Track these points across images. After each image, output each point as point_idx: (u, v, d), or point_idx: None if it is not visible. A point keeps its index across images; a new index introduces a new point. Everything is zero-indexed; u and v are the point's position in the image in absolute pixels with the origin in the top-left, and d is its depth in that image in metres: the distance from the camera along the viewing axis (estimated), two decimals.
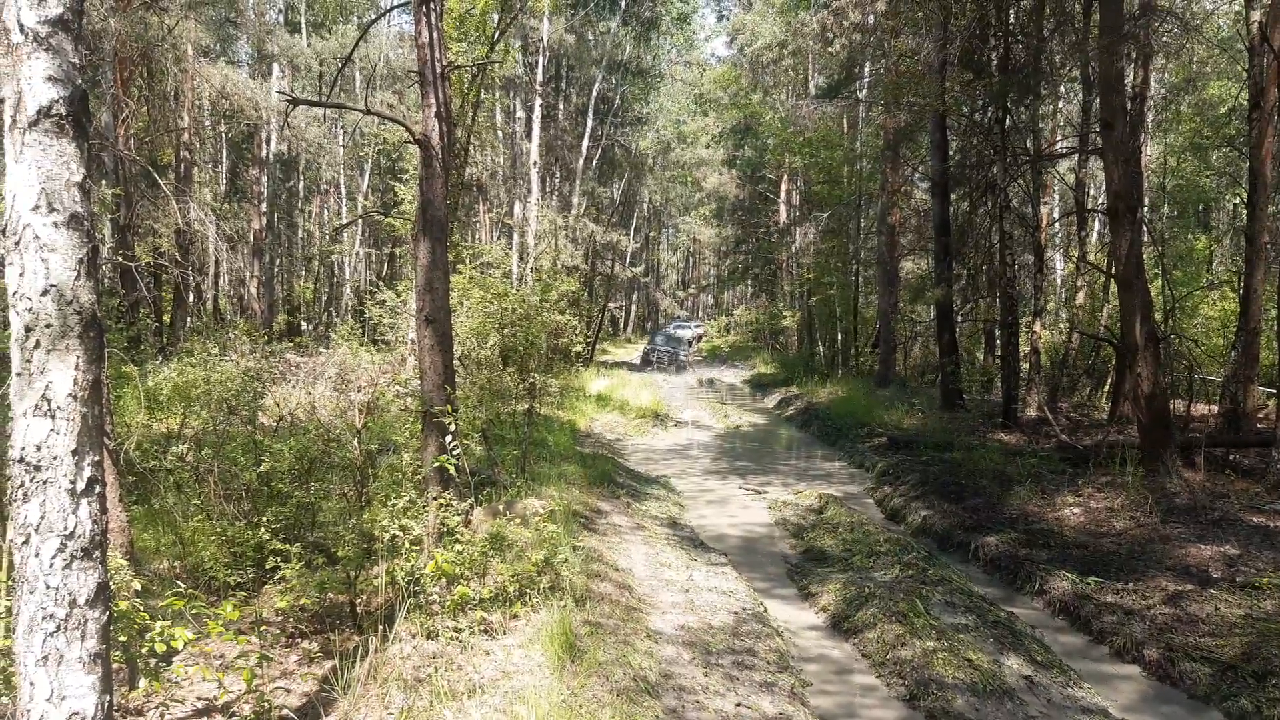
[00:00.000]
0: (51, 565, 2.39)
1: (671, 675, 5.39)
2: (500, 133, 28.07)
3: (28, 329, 2.37)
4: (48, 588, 2.38)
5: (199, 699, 4.65)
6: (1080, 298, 19.67)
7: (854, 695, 5.74)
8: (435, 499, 6.09)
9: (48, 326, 2.38)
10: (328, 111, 27.01)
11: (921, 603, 6.90)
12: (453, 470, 6.37)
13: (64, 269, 2.41)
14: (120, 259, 17.47)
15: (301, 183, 34.05)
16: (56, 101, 2.41)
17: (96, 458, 2.46)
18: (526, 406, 10.70)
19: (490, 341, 14.99)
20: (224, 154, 32.42)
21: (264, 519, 6.04)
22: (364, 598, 5.91)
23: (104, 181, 23.94)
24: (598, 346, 37.79)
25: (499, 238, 27.48)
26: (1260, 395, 14.11)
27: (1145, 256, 14.73)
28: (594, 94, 31.49)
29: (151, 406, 10.52)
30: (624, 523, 9.45)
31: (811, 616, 7.35)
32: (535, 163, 23.90)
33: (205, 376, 11.70)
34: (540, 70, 23.99)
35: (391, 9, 9.60)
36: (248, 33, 26.64)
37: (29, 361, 2.38)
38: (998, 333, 18.22)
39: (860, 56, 23.56)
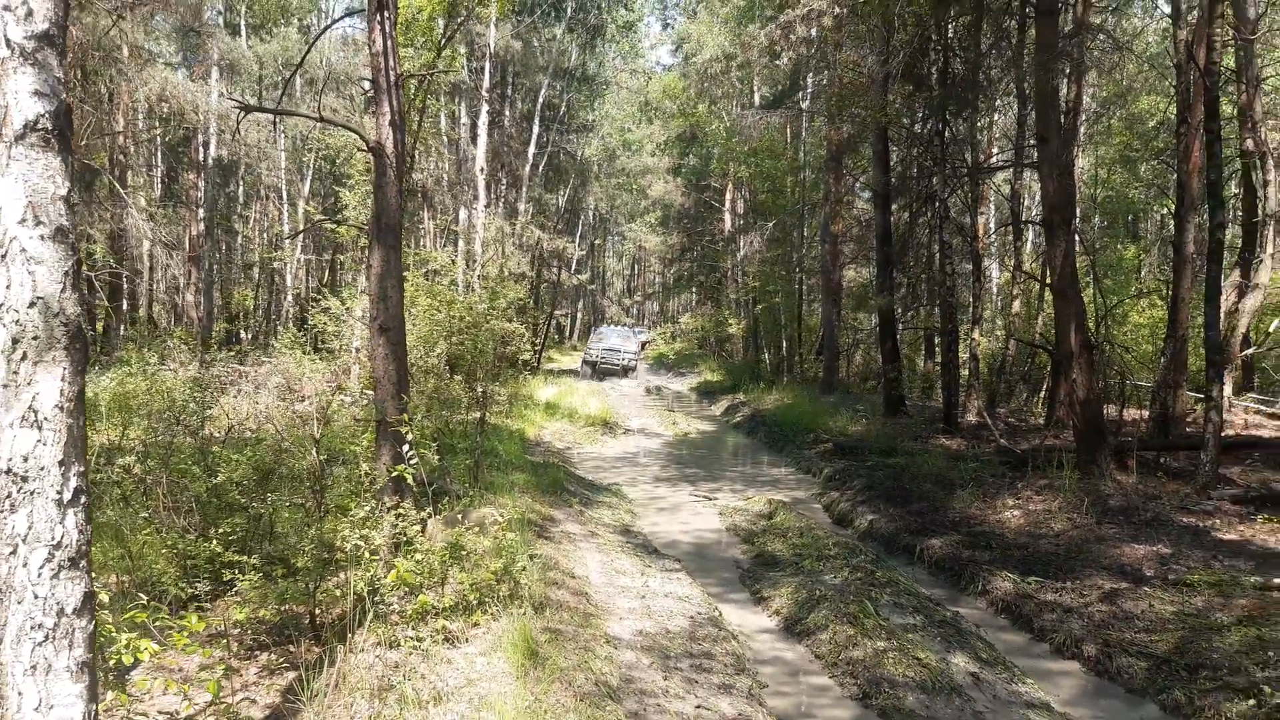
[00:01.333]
0: (40, 575, 2.40)
1: (632, 679, 5.48)
2: (446, 138, 27.94)
3: (14, 340, 2.39)
4: (36, 597, 2.39)
5: (160, 713, 4.61)
6: (1016, 305, 20.22)
7: (809, 695, 5.89)
8: (392, 508, 6.10)
9: (34, 338, 2.39)
10: (269, 116, 26.65)
11: (871, 604, 7.09)
12: (410, 479, 6.39)
13: (50, 281, 2.43)
14: None
15: (241, 188, 33.48)
16: (42, 116, 2.43)
17: (81, 468, 2.48)
18: (478, 415, 10.67)
19: (438, 350, 14.94)
20: (158, 158, 31.73)
21: (218, 530, 5.98)
22: (323, 608, 5.89)
23: None
24: (544, 354, 37.75)
25: (445, 245, 27.32)
26: (1189, 400, 14.67)
27: (1078, 266, 15.27)
28: (540, 100, 31.54)
29: (90, 417, 10.29)
30: (577, 530, 9.51)
31: (765, 620, 7.50)
32: (482, 169, 23.86)
33: (146, 386, 11.47)
34: (487, 76, 23.98)
35: (343, 17, 9.54)
36: (186, 34, 26.16)
37: (15, 373, 2.39)
38: (938, 340, 18.69)
39: (805, 68, 23.97)
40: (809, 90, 26.22)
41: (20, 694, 2.41)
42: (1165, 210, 27.11)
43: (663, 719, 4.96)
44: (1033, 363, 19.92)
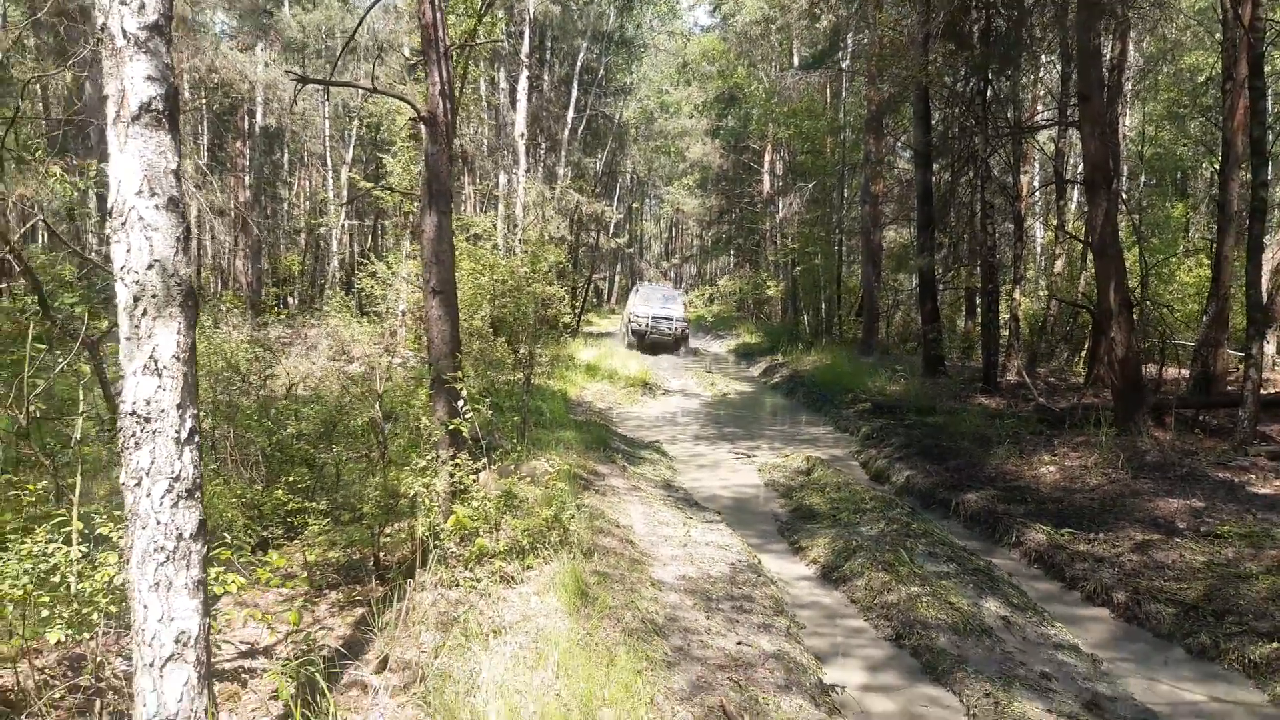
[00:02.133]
0: (161, 504, 2.74)
1: (676, 618, 5.81)
2: (486, 104, 28.16)
3: (135, 299, 2.71)
4: (158, 523, 2.73)
5: (241, 642, 5.02)
6: (1059, 265, 20.14)
7: (845, 636, 6.19)
8: (450, 459, 6.44)
9: (153, 296, 2.71)
10: (312, 85, 27.00)
11: (906, 553, 7.35)
12: (465, 432, 6.73)
13: (165, 246, 2.74)
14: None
15: (285, 155, 34.01)
16: (155, 98, 2.73)
17: (195, 411, 2.81)
18: (524, 375, 11.02)
19: (481, 312, 15.29)
20: (204, 126, 32.30)
21: (286, 480, 6.38)
22: (386, 551, 6.28)
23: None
24: (583, 317, 38.08)
25: (485, 209, 27.65)
26: (1231, 358, 14.63)
27: (1122, 225, 15.21)
28: (578, 64, 31.60)
29: None
30: (621, 484, 9.85)
31: (802, 568, 7.79)
32: (522, 134, 24.08)
33: (204, 348, 11.96)
34: (526, 41, 24.11)
35: None
36: (254, 14, 26.52)
37: (137, 327, 2.71)
38: (978, 300, 18.70)
39: (844, 29, 23.81)
40: (849, 50, 26.02)
41: (146, 607, 2.76)
42: (1213, 168, 26.63)
43: (706, 653, 5.28)
44: (1074, 322, 19.87)
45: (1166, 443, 10.76)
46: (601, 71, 35.44)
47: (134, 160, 2.70)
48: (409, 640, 4.84)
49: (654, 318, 28.25)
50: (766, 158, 37.37)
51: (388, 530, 6.24)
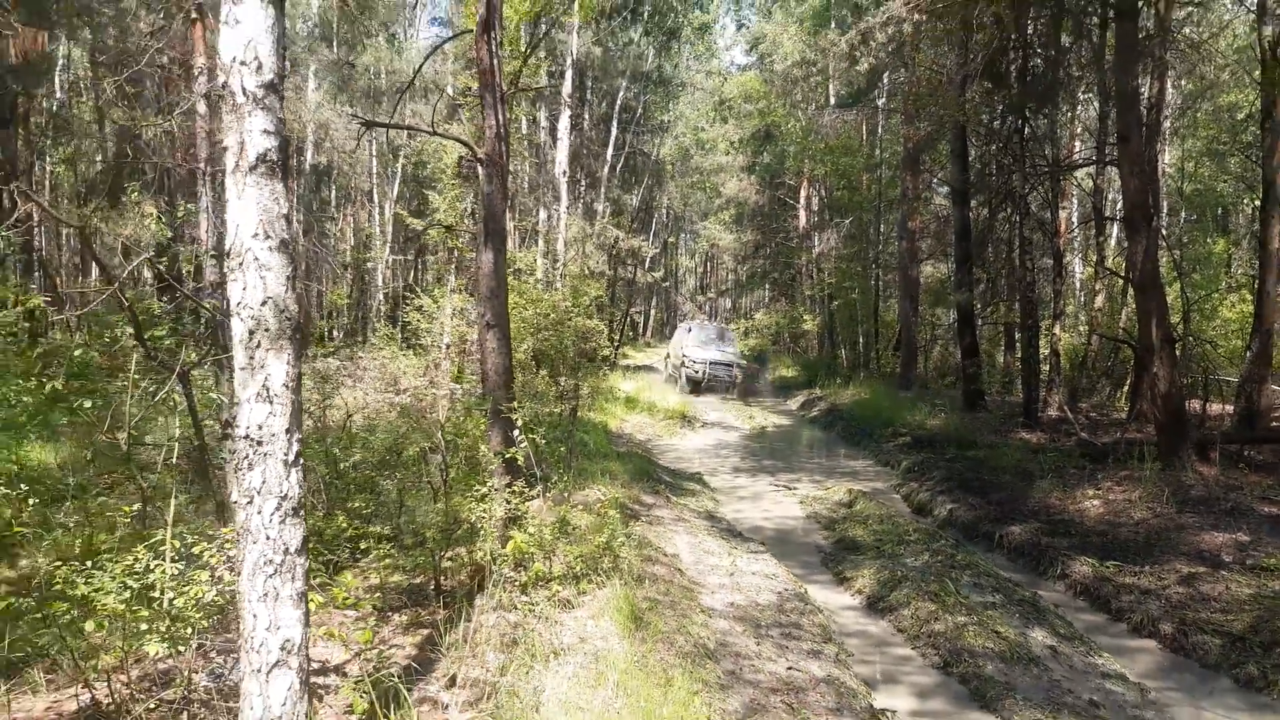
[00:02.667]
0: (270, 520, 2.98)
1: (727, 644, 5.97)
2: (528, 142, 28.74)
3: (250, 332, 2.97)
4: (268, 539, 2.98)
5: (315, 660, 5.25)
6: (1099, 301, 20.10)
7: (893, 664, 6.30)
8: (506, 486, 6.67)
9: (266, 330, 2.98)
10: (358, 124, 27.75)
11: (951, 584, 7.46)
12: (520, 461, 6.96)
13: (277, 284, 3.01)
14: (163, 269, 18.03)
15: (333, 192, 34.84)
16: (270, 150, 3.01)
17: (300, 435, 3.06)
18: (570, 407, 11.27)
19: (525, 345, 15.61)
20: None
21: (349, 507, 6.64)
22: (446, 576, 6.50)
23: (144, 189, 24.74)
24: (620, 350, 38.35)
25: (527, 244, 28.12)
26: (1276, 394, 14.53)
27: (1163, 261, 15.20)
28: (618, 103, 32.16)
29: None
30: (666, 515, 10.02)
31: (848, 599, 7.91)
32: (564, 172, 24.55)
33: None
34: (569, 82, 24.65)
35: (454, 37, 10.20)
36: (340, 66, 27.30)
37: (251, 358, 2.97)
38: (1018, 335, 18.71)
39: (882, 68, 24.09)
40: (885, 88, 26.30)
41: (255, 616, 2.99)
42: (1254, 204, 26.49)
43: (758, 677, 5.43)
44: (1116, 358, 19.78)
45: (1211, 477, 10.73)
46: (640, 110, 36.02)
47: (251, 206, 2.97)
48: (474, 660, 5.04)
49: (713, 362, 25.84)
50: (803, 193, 37.63)
51: (448, 555, 6.46)
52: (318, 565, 5.86)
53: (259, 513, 2.98)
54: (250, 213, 2.99)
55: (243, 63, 2.97)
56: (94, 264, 18.80)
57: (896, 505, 11.91)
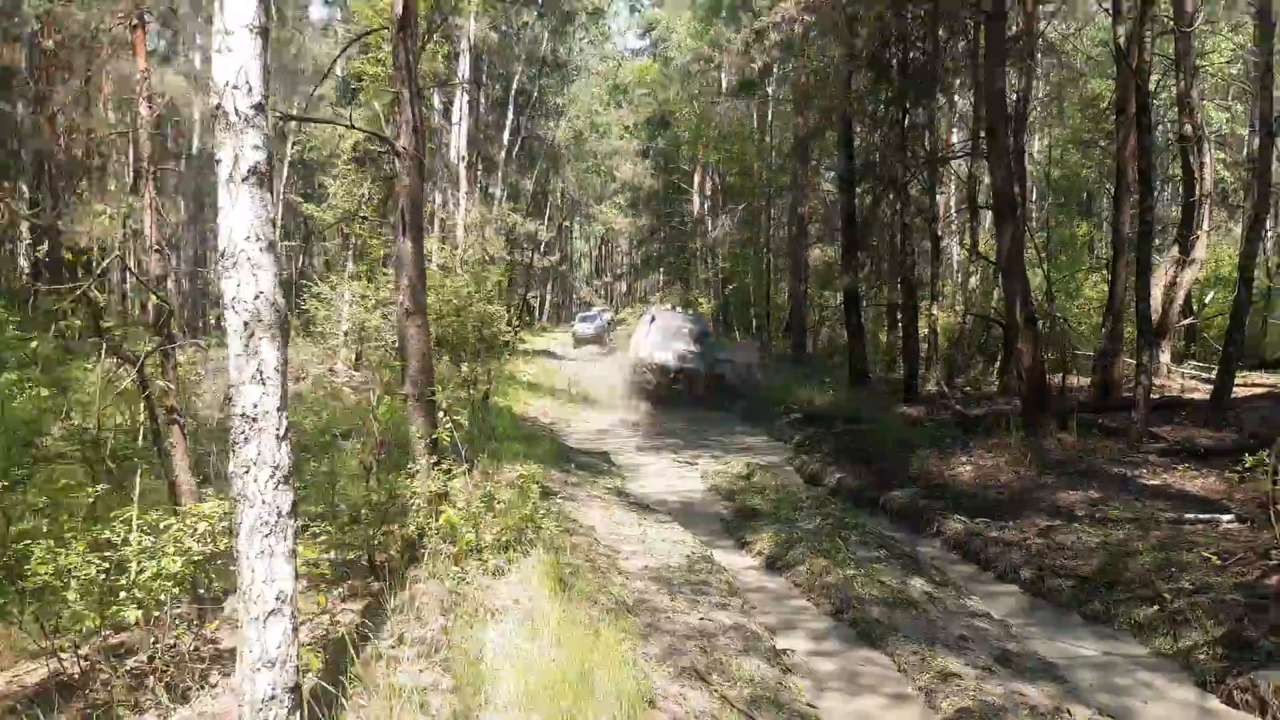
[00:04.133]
0: (265, 487, 3.39)
1: (644, 600, 6.58)
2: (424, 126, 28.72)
3: (245, 324, 3.37)
4: (263, 503, 3.39)
5: None
6: (973, 282, 21.50)
7: (791, 613, 7.02)
8: (434, 465, 7.11)
9: (260, 321, 3.38)
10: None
11: (841, 542, 8.26)
12: (446, 440, 7.41)
13: (267, 281, 3.41)
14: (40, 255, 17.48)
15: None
16: (259, 162, 3.41)
17: (287, 413, 3.48)
18: (484, 390, 11.69)
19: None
20: (130, 154, 32.09)
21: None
22: (380, 550, 6.90)
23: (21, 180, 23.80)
24: (517, 335, 38.53)
25: (427, 231, 28.12)
26: (1127, 367, 15.98)
27: (1034, 243, 16.48)
28: (513, 88, 32.35)
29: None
30: (578, 492, 10.59)
31: (749, 560, 8.62)
32: (463, 157, 24.72)
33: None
34: (467, 68, 24.81)
35: (366, 34, 10.43)
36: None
37: (246, 346, 3.37)
38: (899, 316, 19.91)
39: (774, 63, 25.00)
40: (775, 77, 27.25)
41: (253, 571, 3.41)
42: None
43: (674, 626, 6.06)
44: (988, 336, 21.21)
45: (1069, 443, 11.90)
46: (535, 94, 36.25)
47: (245, 212, 3.38)
48: (417, 622, 5.50)
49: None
50: (696, 179, 38.51)
51: (382, 531, 6.86)
52: None
53: (254, 481, 3.39)
54: (243, 218, 3.38)
55: (235, 86, 3.36)
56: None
57: (790, 476, 12.74)
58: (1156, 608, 6.72)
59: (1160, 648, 6.34)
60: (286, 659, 3.43)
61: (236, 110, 3.35)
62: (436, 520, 6.62)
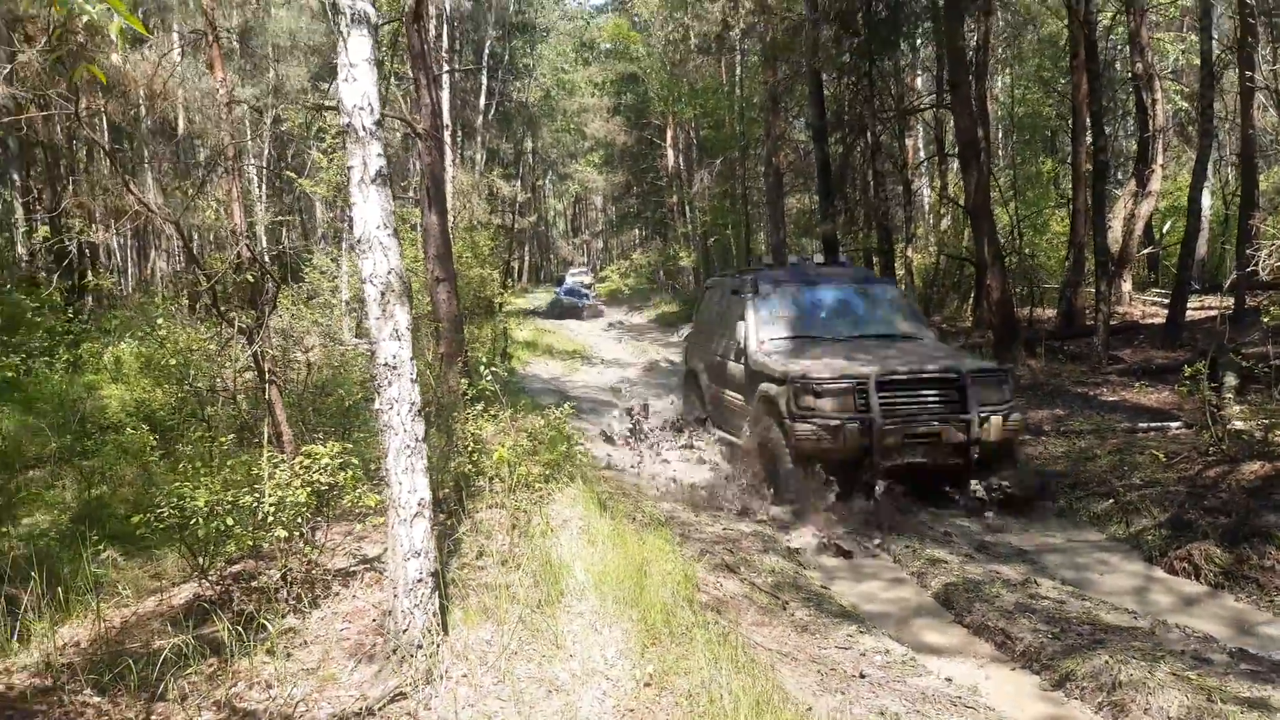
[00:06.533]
0: (405, 419, 4.35)
1: (674, 517, 7.63)
2: (405, 99, 29.23)
3: (383, 293, 4.32)
4: (405, 430, 4.35)
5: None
6: (945, 224, 22.54)
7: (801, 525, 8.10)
8: (480, 413, 8.09)
9: (393, 290, 4.32)
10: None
11: None
12: (488, 390, 8.38)
13: (395, 260, 4.35)
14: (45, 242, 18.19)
15: (203, 154, 34.29)
16: (382, 167, 4.32)
17: (414, 362, 4.45)
18: (502, 347, 12.62)
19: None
20: (105, 133, 32.30)
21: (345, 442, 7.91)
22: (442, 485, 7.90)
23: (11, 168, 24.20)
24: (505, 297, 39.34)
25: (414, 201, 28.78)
26: (1089, 296, 17.12)
27: (1002, 181, 17.45)
28: (485, 52, 32.82)
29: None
30: (596, 434, 11.62)
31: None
32: (446, 125, 25.32)
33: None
34: (445, 38, 25.33)
35: (385, 24, 11.15)
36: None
37: (384, 310, 4.32)
38: (875, 259, 20.94)
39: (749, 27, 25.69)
40: (742, 30, 27.86)
41: (400, 483, 4.38)
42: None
43: (703, 535, 7.13)
44: (961, 274, 22.31)
45: (1038, 369, 13.04)
46: (506, 57, 36.69)
47: (375, 207, 4.30)
48: (488, 541, 6.52)
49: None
50: (669, 134, 39.17)
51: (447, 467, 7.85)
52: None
53: (397, 414, 4.36)
54: (374, 211, 4.31)
55: (360, 108, 4.27)
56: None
57: None
58: (1112, 501, 7.85)
59: (1115, 533, 7.48)
60: (428, 550, 4.44)
61: (364, 127, 4.27)
62: (485, 460, 7.61)
